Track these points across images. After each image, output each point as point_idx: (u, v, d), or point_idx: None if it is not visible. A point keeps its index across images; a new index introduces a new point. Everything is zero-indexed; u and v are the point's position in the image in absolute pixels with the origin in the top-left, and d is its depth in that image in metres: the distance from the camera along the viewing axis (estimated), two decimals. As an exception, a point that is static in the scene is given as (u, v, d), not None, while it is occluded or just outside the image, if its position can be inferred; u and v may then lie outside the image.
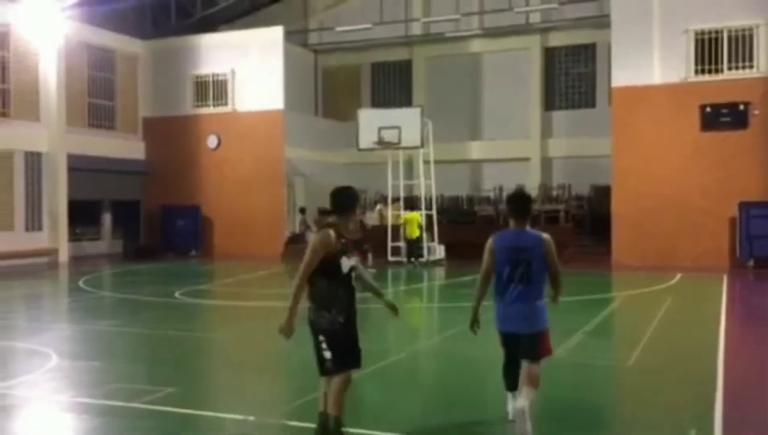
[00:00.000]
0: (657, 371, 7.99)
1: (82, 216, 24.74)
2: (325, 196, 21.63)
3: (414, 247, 20.71)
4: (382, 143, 21.05)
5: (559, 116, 26.49)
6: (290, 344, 10.15)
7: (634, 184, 20.32)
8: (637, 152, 20.41)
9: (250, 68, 25.02)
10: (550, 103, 26.76)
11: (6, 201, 21.55)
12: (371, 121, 21.39)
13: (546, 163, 26.39)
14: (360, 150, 21.93)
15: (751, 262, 18.92)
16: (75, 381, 7.50)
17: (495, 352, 5.95)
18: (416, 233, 20.64)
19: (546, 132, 26.43)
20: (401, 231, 21.14)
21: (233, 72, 25.22)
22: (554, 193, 25.30)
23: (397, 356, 8.75)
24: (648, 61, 20.45)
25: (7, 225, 21.50)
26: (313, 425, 5.33)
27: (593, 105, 26.03)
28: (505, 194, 24.70)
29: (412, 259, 20.66)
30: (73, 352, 9.08)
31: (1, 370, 7.99)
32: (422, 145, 21.35)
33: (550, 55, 26.74)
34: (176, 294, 14.24)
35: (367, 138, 21.25)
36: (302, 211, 21.57)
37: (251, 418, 5.98)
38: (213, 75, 25.56)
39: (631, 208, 20.33)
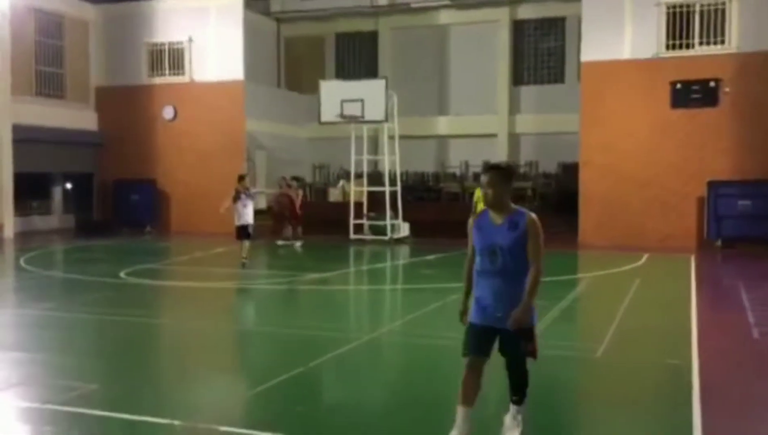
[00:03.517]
0: (628, 362, 7.48)
1: (32, 189, 23.58)
2: (288, 171, 20.79)
3: None
4: (344, 116, 20.25)
5: (527, 91, 25.93)
6: (238, 333, 9.59)
7: (602, 161, 19.87)
8: (605, 129, 19.93)
9: (208, 36, 23.91)
10: (518, 77, 26.17)
11: (-54, 173, 20.33)
12: (334, 94, 20.56)
13: (513, 140, 25.87)
14: (322, 123, 21.12)
15: (719, 242, 18.64)
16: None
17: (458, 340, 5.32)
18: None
19: (514, 107, 25.87)
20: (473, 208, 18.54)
21: (190, 40, 24.09)
22: (521, 170, 24.79)
23: (356, 342, 8.11)
24: (618, 35, 19.90)
25: (-53, 198, 20.32)
26: (246, 431, 4.67)
27: (562, 80, 25.50)
28: (471, 171, 24.16)
29: None
30: (-8, 341, 8.26)
31: None
32: (386, 119, 20.60)
33: (519, 28, 26.09)
34: (121, 274, 13.40)
35: (329, 111, 20.43)
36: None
37: (176, 422, 5.27)
38: (169, 43, 24.40)
39: (599, 186, 19.89)
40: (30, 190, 23.38)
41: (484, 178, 4.52)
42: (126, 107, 24.65)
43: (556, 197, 23.08)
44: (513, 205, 4.58)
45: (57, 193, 24.97)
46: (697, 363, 7.06)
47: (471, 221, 4.69)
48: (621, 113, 19.83)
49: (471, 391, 4.60)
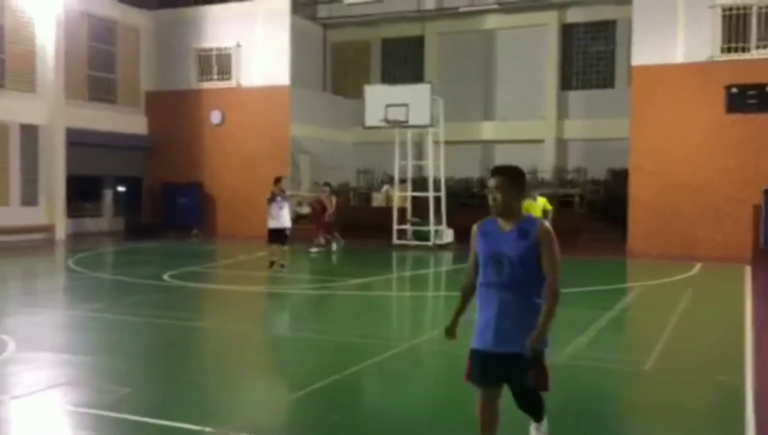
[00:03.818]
0: (677, 377, 7.16)
1: (84, 192, 24.10)
2: (331, 175, 20.48)
3: None
4: (389, 121, 20.15)
5: (575, 96, 25.44)
6: (274, 339, 9.52)
7: (653, 167, 19.34)
8: (656, 135, 19.41)
9: (255, 42, 24.14)
10: (566, 82, 25.70)
11: (0, 175, 20.90)
12: (379, 98, 20.49)
13: (561, 145, 25.39)
14: (366, 128, 21.06)
15: (776, 253, 17.94)
16: (17, 376, 6.76)
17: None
18: None
19: (562, 112, 25.40)
20: None
21: (238, 45, 24.35)
22: (569, 176, 24.33)
23: (394, 350, 7.96)
24: (671, 38, 19.37)
25: (2, 199, 20.87)
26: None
27: (612, 85, 24.95)
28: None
29: None
30: (35, 340, 8.35)
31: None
32: (431, 124, 20.43)
33: (567, 32, 25.63)
34: (165, 276, 13.52)
35: (373, 115, 20.36)
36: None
37: (208, 429, 5.20)
38: (217, 49, 24.70)
39: (649, 193, 19.36)
40: (82, 192, 23.89)
41: (491, 182, 4.03)
42: (175, 112, 25.04)
43: (605, 204, 22.57)
44: (522, 213, 4.09)
45: (108, 196, 25.46)
46: (751, 380, 6.72)
47: (475, 227, 4.14)
48: (673, 118, 19.28)
49: (488, 424, 4.12)
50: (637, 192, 19.65)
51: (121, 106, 25.01)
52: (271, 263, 14.14)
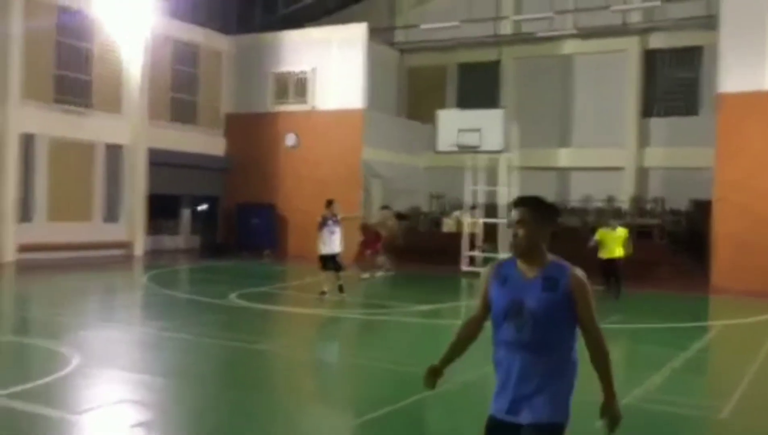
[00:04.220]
0: (756, 428, 6.63)
1: (163, 210, 24.81)
2: (403, 200, 19.86)
3: (612, 269, 14.93)
4: (461, 146, 19.94)
5: (657, 123, 24.55)
6: (330, 366, 9.37)
7: (739, 199, 18.37)
8: (743, 165, 18.46)
9: (331, 66, 24.43)
10: (647, 109, 24.84)
11: (85, 192, 21.75)
12: (452, 123, 20.31)
13: (641, 174, 24.51)
14: (437, 152, 20.92)
15: None
16: (73, 393, 6.85)
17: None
18: (616, 253, 14.95)
19: (642, 140, 24.55)
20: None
21: (314, 69, 24.70)
22: (648, 206, 23.43)
23: (452, 382, 7.68)
24: (760, 65, 18.45)
25: (85, 215, 21.70)
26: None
27: (695, 112, 23.97)
28: (593, 205, 23.11)
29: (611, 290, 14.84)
30: (99, 356, 8.50)
31: (8, 374, 7.45)
32: (504, 149, 20.10)
33: (649, 57, 24.83)
34: (232, 296, 13.65)
35: (446, 140, 20.19)
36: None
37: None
38: (293, 73, 25.14)
39: (735, 226, 18.39)
40: (161, 210, 24.60)
41: (513, 215, 3.31)
42: (252, 134, 25.56)
43: (686, 236, 21.58)
44: (550, 256, 3.34)
45: (185, 215, 26.14)
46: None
47: (488, 269, 3.46)
48: (761, 148, 18.31)
49: None
50: (721, 224, 18.71)
51: (202, 128, 25.72)
52: (323, 292, 13.65)
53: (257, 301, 13.53)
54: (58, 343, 8.81)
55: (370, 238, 18.99)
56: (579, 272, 3.29)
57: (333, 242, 13.47)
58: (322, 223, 13.47)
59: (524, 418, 3.25)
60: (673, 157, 23.36)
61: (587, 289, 3.26)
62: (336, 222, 13.54)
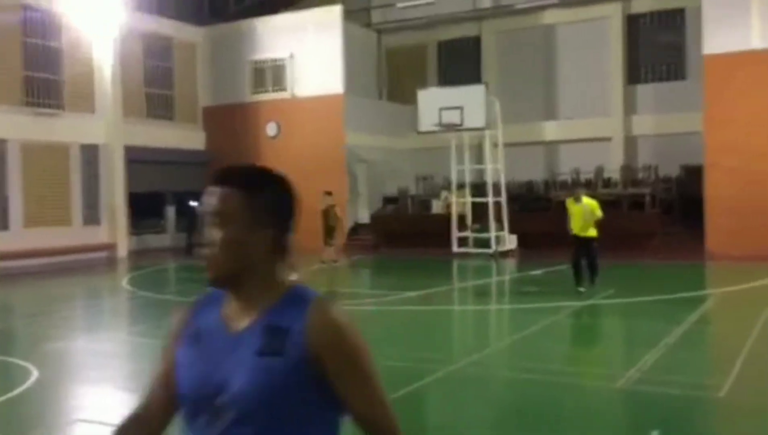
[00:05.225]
0: (757, 405, 6.20)
1: (145, 209, 24.25)
2: (389, 183, 19.17)
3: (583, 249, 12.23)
4: (442, 125, 19.43)
5: (644, 90, 24.06)
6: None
7: (732, 163, 17.93)
8: (733, 127, 18.01)
9: (308, 51, 23.82)
10: (633, 76, 24.34)
11: (63, 195, 21.18)
12: (432, 102, 19.80)
13: (630, 143, 24.05)
14: (419, 133, 20.43)
15: None
16: (29, 411, 6.39)
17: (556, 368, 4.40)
18: (587, 230, 12.12)
19: (629, 108, 24.06)
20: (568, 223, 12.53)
21: (291, 56, 24.10)
22: (639, 175, 22.96)
23: (433, 375, 7.26)
24: (744, 24, 17.98)
25: (64, 219, 21.15)
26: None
27: (683, 76, 23.48)
28: (582, 178, 22.63)
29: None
30: (60, 370, 8.03)
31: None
32: (488, 126, 19.60)
33: (633, 23, 24.28)
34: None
35: (427, 120, 19.68)
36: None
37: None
38: (271, 60, 24.53)
39: (728, 190, 17.97)
40: (144, 209, 24.04)
41: (206, 203, 1.74)
42: (231, 126, 24.99)
43: (679, 203, 21.16)
44: (284, 280, 1.74)
45: (169, 213, 25.59)
46: None
47: (177, 319, 1.82)
48: (751, 109, 17.87)
49: None
50: (714, 190, 18.28)
51: (179, 123, 25.13)
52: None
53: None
54: (18, 357, 8.34)
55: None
56: (331, 310, 1.67)
57: None
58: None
59: None
60: (662, 124, 22.90)
61: (355, 342, 1.66)
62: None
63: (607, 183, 22.17)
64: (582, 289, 12.05)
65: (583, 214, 12.04)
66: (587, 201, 12.19)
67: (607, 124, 24.07)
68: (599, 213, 12.06)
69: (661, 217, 20.22)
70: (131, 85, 23.12)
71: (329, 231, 16.07)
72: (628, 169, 22.90)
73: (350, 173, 24.05)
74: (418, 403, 6.59)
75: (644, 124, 23.66)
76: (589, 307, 11.26)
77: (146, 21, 23.69)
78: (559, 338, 9.78)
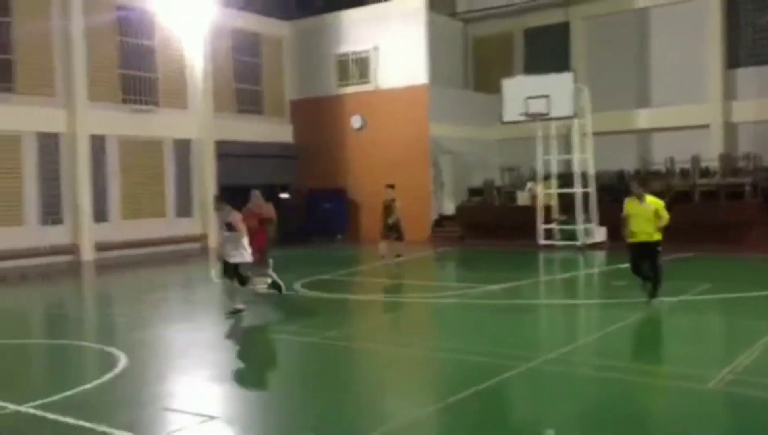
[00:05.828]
0: None
1: (236, 201, 24.78)
2: (474, 175, 19.00)
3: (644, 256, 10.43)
4: (528, 115, 19.00)
5: (745, 74, 22.74)
6: (381, 357, 8.84)
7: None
8: None
9: (392, 42, 23.83)
10: (733, 59, 23.03)
11: (157, 188, 22.05)
12: (518, 91, 19.40)
13: (729, 130, 22.82)
14: (504, 123, 20.05)
15: None
16: (118, 399, 6.64)
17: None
18: (648, 235, 10.25)
19: (729, 93, 22.82)
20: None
21: (375, 48, 24.15)
22: (739, 164, 21.76)
23: (510, 372, 7.07)
24: None
25: (158, 211, 22.02)
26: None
27: (788, 58, 22.08)
28: (677, 167, 21.67)
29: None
30: (149, 357, 8.32)
31: (54, 378, 7.31)
32: (576, 115, 19.03)
33: (732, 3, 22.97)
34: (296, 285, 13.38)
35: (513, 110, 19.31)
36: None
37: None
38: (355, 53, 24.67)
39: (838, 179, 16.78)
40: (233, 202, 24.57)
41: None
42: (318, 119, 25.32)
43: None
44: None
45: (258, 204, 26.07)
46: None
47: None
48: None
49: None
50: (821, 179, 17.12)
51: (268, 117, 25.66)
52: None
53: (319, 290, 13.18)
54: (108, 344, 8.70)
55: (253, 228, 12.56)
56: None
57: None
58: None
59: None
60: (765, 110, 21.62)
61: None
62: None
63: (705, 172, 21.13)
64: (654, 299, 10.41)
65: (646, 216, 10.10)
66: (651, 199, 10.24)
67: (704, 110, 22.92)
68: (665, 214, 10.10)
69: (762, 207, 19.10)
70: (221, 80, 23.77)
71: (392, 225, 16.32)
72: (727, 157, 21.74)
73: (435, 165, 23.92)
74: (498, 397, 6.45)
75: (745, 110, 22.41)
76: (681, 302, 10.76)
77: (234, 17, 24.27)
78: (647, 335, 9.39)
